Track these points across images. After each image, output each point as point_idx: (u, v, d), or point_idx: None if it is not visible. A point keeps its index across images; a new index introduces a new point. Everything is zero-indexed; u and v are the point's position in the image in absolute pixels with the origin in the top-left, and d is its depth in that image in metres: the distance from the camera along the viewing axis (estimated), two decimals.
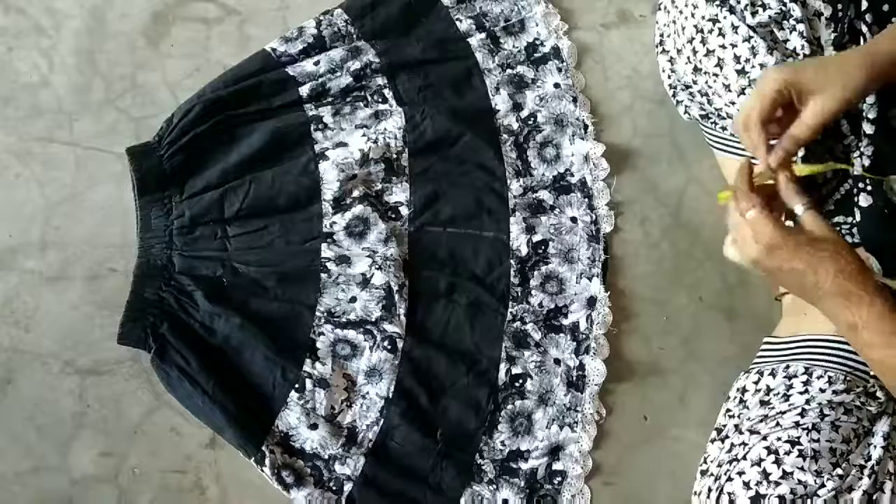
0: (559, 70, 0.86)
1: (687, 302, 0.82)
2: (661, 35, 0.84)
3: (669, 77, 0.85)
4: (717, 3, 0.74)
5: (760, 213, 0.57)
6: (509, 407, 0.76)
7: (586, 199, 0.82)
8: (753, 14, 0.72)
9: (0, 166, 0.79)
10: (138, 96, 0.82)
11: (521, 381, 0.77)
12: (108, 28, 0.84)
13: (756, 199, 0.58)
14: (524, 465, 0.75)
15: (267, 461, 0.71)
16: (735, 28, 0.73)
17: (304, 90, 0.80)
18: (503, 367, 0.77)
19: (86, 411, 0.75)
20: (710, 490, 0.68)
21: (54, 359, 0.75)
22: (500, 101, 0.84)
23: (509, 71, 0.85)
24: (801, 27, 0.70)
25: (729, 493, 0.65)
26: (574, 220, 0.81)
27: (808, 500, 0.61)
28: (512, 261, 0.79)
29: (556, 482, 0.76)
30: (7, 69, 0.82)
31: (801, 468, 0.62)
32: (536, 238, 0.80)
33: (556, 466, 0.76)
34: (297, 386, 0.73)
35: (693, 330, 0.82)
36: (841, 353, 0.66)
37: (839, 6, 0.66)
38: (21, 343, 0.76)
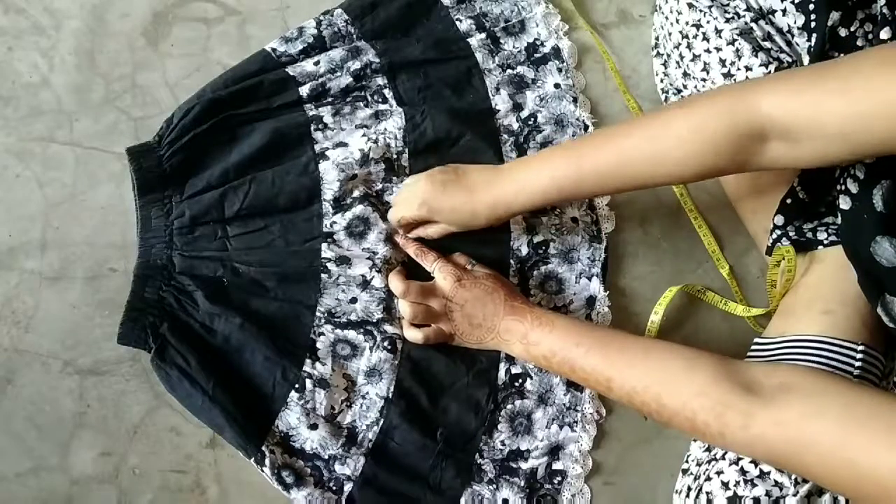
0: (559, 70, 0.86)
1: (687, 302, 0.82)
2: (656, 38, 0.84)
3: (662, 81, 0.85)
4: (700, 8, 0.74)
5: (442, 259, 0.74)
6: (509, 406, 0.76)
7: (587, 200, 0.82)
8: (728, 21, 0.73)
9: (0, 166, 0.79)
10: (138, 96, 0.82)
11: (520, 380, 0.77)
12: (108, 28, 0.84)
13: (434, 254, 0.75)
14: (524, 465, 0.76)
15: (267, 461, 0.71)
16: (719, 32, 0.74)
17: (304, 90, 0.80)
18: (503, 366, 0.77)
19: (86, 411, 0.75)
20: (689, 489, 0.68)
21: (54, 359, 0.75)
22: (501, 102, 0.84)
23: (509, 71, 0.86)
24: (766, 44, 0.71)
25: (707, 493, 0.65)
26: (575, 220, 0.81)
27: (781, 502, 0.61)
28: (512, 260, 0.79)
29: (556, 482, 0.76)
30: (7, 69, 0.82)
31: (779, 469, 0.62)
32: (537, 238, 0.80)
33: (556, 466, 0.76)
34: (297, 386, 0.73)
35: (693, 330, 0.82)
36: (824, 354, 0.66)
37: (812, 16, 0.66)
38: (21, 343, 0.76)
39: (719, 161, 0.58)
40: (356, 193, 0.78)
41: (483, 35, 0.86)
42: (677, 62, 0.80)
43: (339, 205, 0.78)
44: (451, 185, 0.71)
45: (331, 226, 0.77)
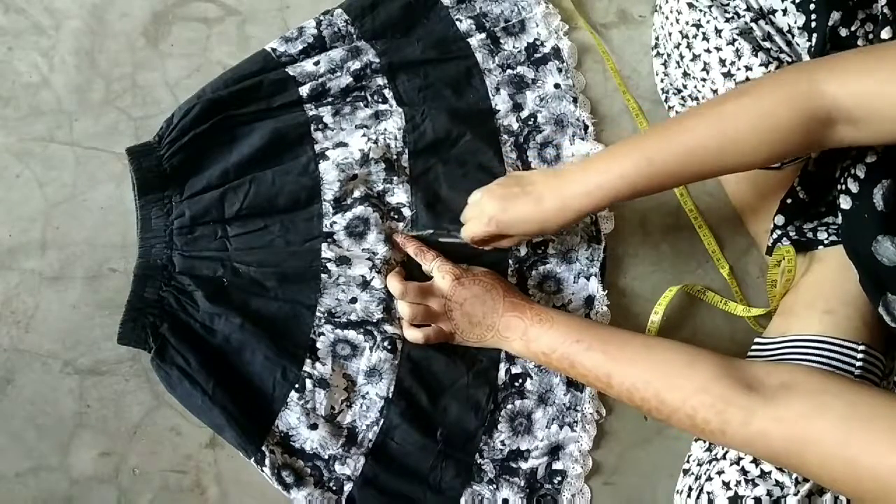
0: (559, 70, 0.86)
1: (687, 302, 0.82)
2: (657, 38, 0.84)
3: (662, 81, 0.85)
4: (700, 8, 0.74)
5: (440, 258, 0.75)
6: (509, 406, 0.76)
7: None
8: (728, 20, 0.73)
9: (0, 166, 0.79)
10: (138, 96, 0.82)
11: (520, 380, 0.77)
12: (108, 28, 0.84)
13: (433, 254, 0.75)
14: (524, 465, 0.76)
15: (267, 461, 0.71)
16: (719, 32, 0.74)
17: (304, 90, 0.80)
18: (503, 366, 0.77)
19: (86, 411, 0.75)
20: (690, 489, 0.68)
21: (54, 359, 0.75)
22: (501, 102, 0.84)
23: (509, 71, 0.86)
24: (766, 45, 0.71)
25: (708, 493, 0.65)
26: None
27: (783, 501, 0.61)
28: (510, 260, 0.79)
29: (556, 482, 0.76)
30: (7, 69, 0.82)
31: (780, 468, 0.62)
32: (536, 238, 0.80)
33: (556, 466, 0.76)
34: (297, 386, 0.73)
35: (693, 330, 0.82)
36: (825, 354, 0.66)
37: (813, 16, 0.66)
38: (21, 343, 0.76)
39: (789, 147, 0.59)
40: (357, 194, 0.78)
41: (483, 35, 0.86)
42: (677, 62, 0.80)
43: (340, 205, 0.78)
44: (515, 198, 0.70)
45: (331, 226, 0.77)
